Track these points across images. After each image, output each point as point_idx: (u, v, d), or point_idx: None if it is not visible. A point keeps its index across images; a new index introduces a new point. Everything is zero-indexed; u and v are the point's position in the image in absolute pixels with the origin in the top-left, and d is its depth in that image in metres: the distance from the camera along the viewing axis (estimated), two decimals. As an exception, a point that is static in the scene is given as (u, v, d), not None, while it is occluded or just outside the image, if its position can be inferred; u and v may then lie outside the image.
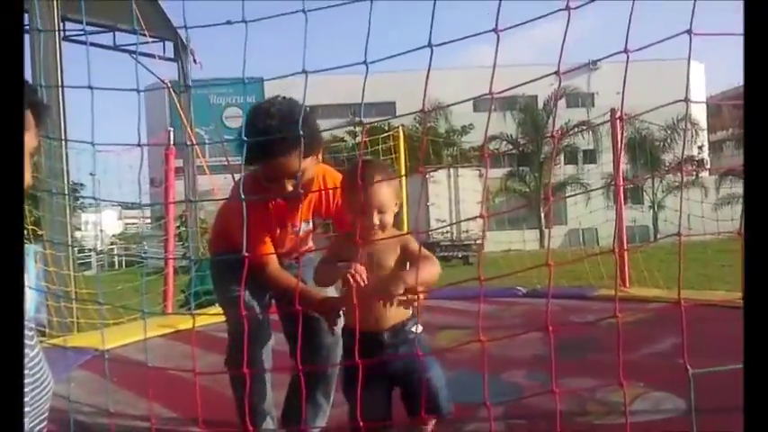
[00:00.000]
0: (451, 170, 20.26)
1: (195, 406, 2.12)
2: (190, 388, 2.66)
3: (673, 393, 2.82)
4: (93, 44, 8.50)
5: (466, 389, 3.04)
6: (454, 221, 18.44)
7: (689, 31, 1.55)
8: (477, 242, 19.12)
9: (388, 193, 1.96)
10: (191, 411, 2.56)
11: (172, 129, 6.47)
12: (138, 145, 2.15)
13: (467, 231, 19.63)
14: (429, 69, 2.05)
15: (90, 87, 1.99)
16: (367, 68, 1.79)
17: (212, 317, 5.25)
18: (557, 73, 1.66)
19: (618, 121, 5.86)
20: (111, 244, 22.88)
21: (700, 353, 1.58)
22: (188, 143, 6.98)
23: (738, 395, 1.65)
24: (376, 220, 1.94)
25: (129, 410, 2.78)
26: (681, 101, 1.69)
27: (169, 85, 7.49)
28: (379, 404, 1.99)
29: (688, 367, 1.54)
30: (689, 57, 1.69)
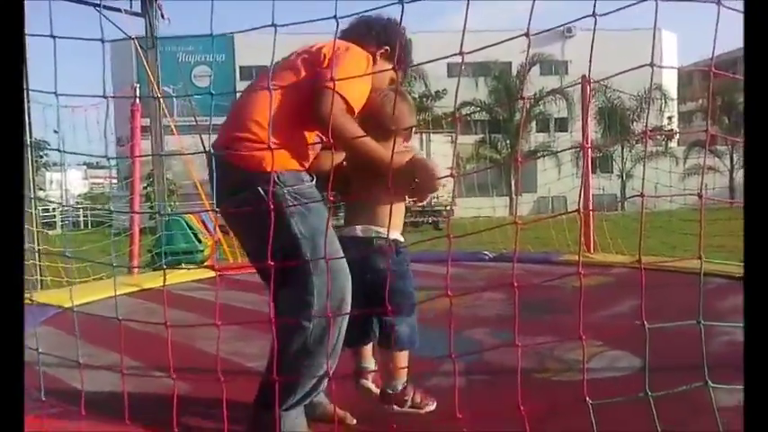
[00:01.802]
0: (423, 135, 20.21)
1: (162, 358, 2.13)
2: (156, 343, 2.67)
3: (628, 352, 2.91)
4: (55, -5, 8.16)
5: (429, 344, 3.10)
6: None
7: (655, -3, 1.56)
8: (447, 208, 19.22)
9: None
10: (158, 362, 2.57)
11: (138, 84, 6.30)
12: (104, 96, 2.10)
13: (437, 197, 19.71)
14: (400, 24, 2.06)
15: (52, 36, 1.93)
16: (337, 24, 1.77)
17: (187, 273, 5.24)
18: (527, 35, 1.66)
19: (587, 85, 5.89)
20: (77, 204, 22.47)
21: (657, 315, 1.63)
22: (155, 98, 6.82)
23: (690, 354, 1.72)
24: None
25: (96, 363, 2.78)
26: (647, 65, 1.71)
27: (136, 40, 7.28)
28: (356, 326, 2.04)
29: (644, 322, 1.59)
30: (654, 23, 1.70)
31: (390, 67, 2.23)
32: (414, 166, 2.08)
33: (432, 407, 2.12)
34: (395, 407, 2.07)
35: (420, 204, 2.33)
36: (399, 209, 2.12)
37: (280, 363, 1.84)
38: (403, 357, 2.08)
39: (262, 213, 1.76)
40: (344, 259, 1.96)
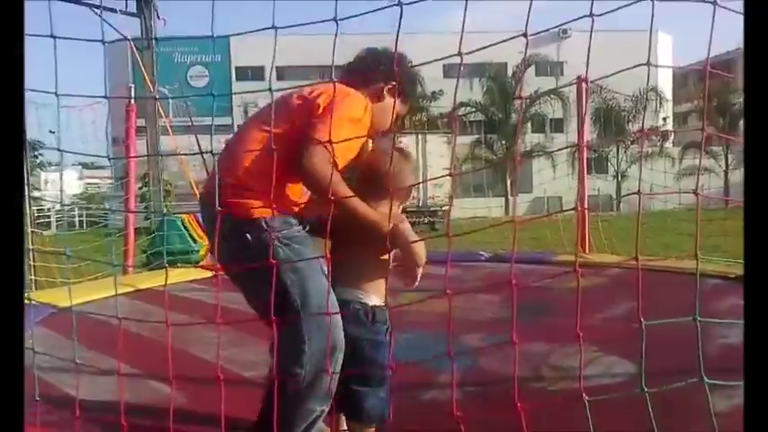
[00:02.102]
0: (419, 136, 20.23)
1: (157, 363, 2.12)
2: (151, 346, 2.66)
3: (624, 358, 2.91)
4: (51, -5, 8.14)
5: (424, 349, 3.10)
6: (423, 187, 18.49)
7: (652, -2, 1.56)
8: (444, 208, 19.25)
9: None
10: (152, 367, 2.55)
11: (133, 85, 6.28)
12: (105, 97, 2.09)
13: (433, 197, 19.74)
14: (399, 26, 2.04)
15: (52, 36, 1.92)
16: (337, 25, 1.75)
17: (183, 274, 5.23)
18: (524, 35, 1.65)
19: (583, 85, 5.91)
20: (72, 204, 22.39)
21: (653, 316, 1.63)
22: (151, 99, 6.81)
23: (685, 357, 1.72)
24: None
25: (90, 366, 2.77)
26: (643, 65, 1.71)
27: (131, 41, 7.27)
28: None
29: (641, 320, 1.58)
30: (651, 23, 1.71)
31: (398, 102, 2.15)
32: (396, 235, 1.94)
33: None
34: None
35: (415, 205, 2.22)
36: (384, 274, 2.01)
37: (273, 403, 1.83)
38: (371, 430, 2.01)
39: (251, 262, 1.77)
40: (333, 303, 1.91)
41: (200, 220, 2.09)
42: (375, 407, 1.94)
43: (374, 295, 2.00)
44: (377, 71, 2.13)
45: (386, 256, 2.03)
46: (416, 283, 2.04)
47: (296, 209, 2.02)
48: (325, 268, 1.92)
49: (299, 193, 2.03)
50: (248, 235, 1.86)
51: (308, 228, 2.02)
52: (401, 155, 2.09)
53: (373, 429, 2.00)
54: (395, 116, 2.15)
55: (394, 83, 2.13)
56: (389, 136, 2.23)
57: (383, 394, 1.96)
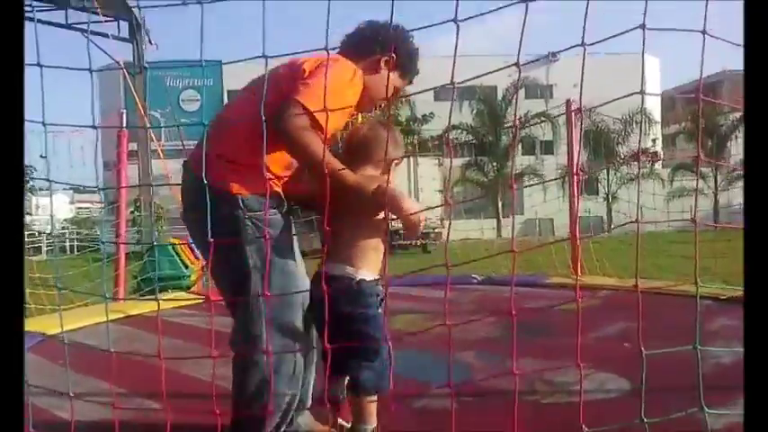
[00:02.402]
0: (411, 159, 20.32)
1: (148, 384, 2.10)
2: (142, 369, 2.64)
3: (616, 374, 2.92)
4: (42, 21, 8.21)
5: (419, 368, 3.09)
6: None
7: (642, 26, 1.59)
8: (436, 230, 19.28)
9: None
10: (144, 388, 2.52)
11: (125, 110, 6.31)
12: (93, 127, 2.09)
13: (425, 220, 19.79)
14: (390, 58, 2.06)
15: (39, 65, 1.92)
16: (328, 53, 1.76)
17: (171, 301, 5.20)
18: (516, 65, 1.68)
19: (575, 113, 5.98)
20: (63, 229, 22.28)
21: (646, 337, 1.64)
22: (143, 125, 6.83)
23: (679, 377, 1.73)
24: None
25: (82, 391, 2.74)
26: (636, 93, 1.74)
27: (123, 66, 7.30)
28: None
29: (642, 349, 1.59)
30: (642, 50, 1.74)
31: (395, 75, 2.12)
32: (381, 194, 1.88)
33: None
34: None
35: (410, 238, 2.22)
36: (377, 246, 2.01)
37: (241, 398, 1.84)
38: (370, 403, 1.99)
39: (220, 236, 1.74)
40: (300, 291, 1.93)
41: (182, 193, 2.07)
42: (369, 378, 1.93)
43: (364, 269, 1.97)
44: (374, 42, 2.10)
45: (378, 227, 2.00)
46: (420, 230, 2.01)
47: (278, 187, 1.99)
48: (298, 255, 1.94)
49: (284, 166, 2.00)
50: (222, 209, 1.81)
51: (286, 209, 2.01)
52: (382, 123, 2.09)
53: (373, 403, 1.98)
54: (392, 89, 2.08)
55: (392, 55, 2.07)
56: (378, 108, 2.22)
57: (378, 365, 1.94)
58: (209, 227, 1.70)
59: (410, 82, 2.29)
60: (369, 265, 1.99)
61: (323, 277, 1.89)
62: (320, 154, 1.77)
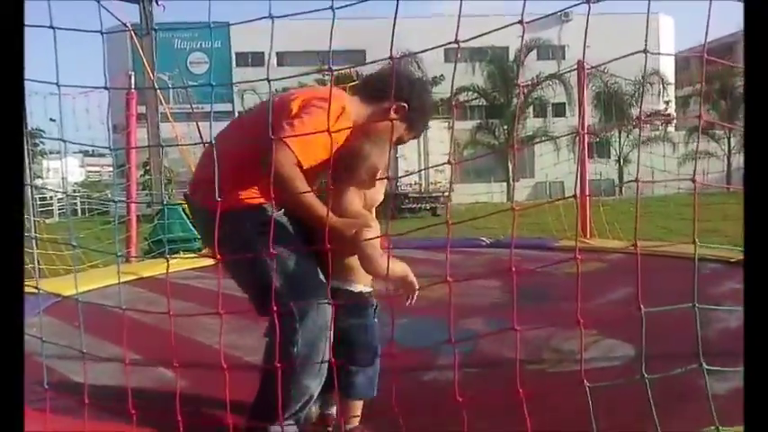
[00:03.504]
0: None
1: (160, 349, 2.15)
2: (153, 333, 2.69)
3: (623, 341, 2.93)
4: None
5: (424, 334, 3.13)
6: (424, 173, 18.47)
7: (654, -16, 1.55)
8: (445, 194, 19.26)
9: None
10: (156, 353, 2.58)
11: (133, 72, 6.27)
12: (105, 88, 2.11)
13: (435, 183, 19.73)
14: (396, 12, 2.02)
15: (51, 27, 1.92)
16: (333, 13, 1.75)
17: (185, 262, 5.24)
18: (520, 22, 1.65)
19: (583, 70, 5.89)
20: (73, 191, 22.42)
21: (653, 301, 1.64)
22: (151, 88, 6.79)
23: (685, 342, 1.74)
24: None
25: (94, 354, 2.80)
26: (642, 51, 1.71)
27: (131, 28, 7.23)
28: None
29: (641, 306, 1.60)
30: (648, 7, 1.70)
31: (402, 126, 2.20)
32: (356, 244, 1.97)
33: None
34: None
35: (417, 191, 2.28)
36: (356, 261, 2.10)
37: (270, 382, 1.89)
38: (358, 405, 2.11)
39: (233, 252, 1.86)
40: (320, 282, 1.99)
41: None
42: (362, 384, 2.05)
43: (358, 283, 2.07)
44: (389, 89, 2.09)
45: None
46: (415, 294, 2.11)
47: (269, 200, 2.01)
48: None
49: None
50: (226, 227, 1.85)
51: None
52: (370, 140, 2.10)
53: (360, 404, 2.11)
54: (396, 138, 2.17)
55: (404, 104, 2.15)
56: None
57: (371, 373, 2.07)
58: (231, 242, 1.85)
59: (418, 136, 2.37)
60: (364, 278, 2.08)
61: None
62: (303, 197, 1.91)
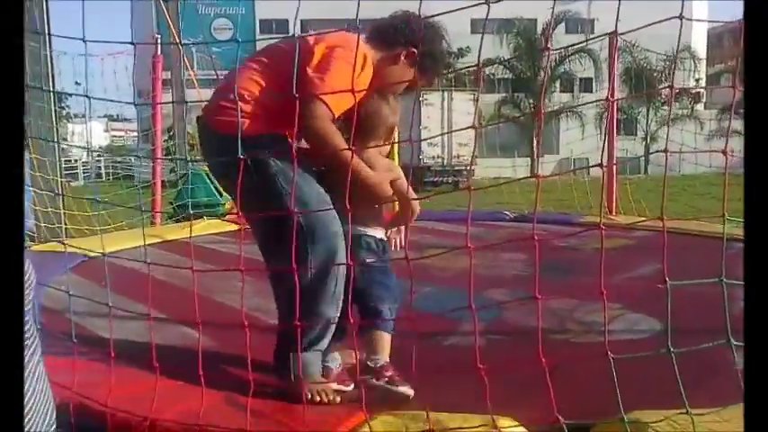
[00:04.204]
0: (445, 93, 19.96)
1: (184, 310, 2.18)
2: (178, 295, 2.71)
3: (648, 315, 2.91)
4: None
5: (446, 304, 3.12)
6: (447, 146, 18.34)
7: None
8: (468, 168, 19.14)
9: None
10: (181, 312, 2.61)
11: (159, 35, 6.26)
12: (132, 43, 2.13)
13: (458, 157, 19.60)
14: (411, 53, 2.04)
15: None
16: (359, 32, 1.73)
17: (210, 226, 5.28)
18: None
19: (613, 41, 5.75)
20: (98, 155, 22.66)
21: (680, 278, 1.62)
22: (178, 48, 6.78)
23: (711, 318, 1.71)
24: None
25: (121, 312, 2.84)
26: (677, 17, 1.64)
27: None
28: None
29: (666, 279, 1.57)
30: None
31: (412, 71, 2.21)
32: (395, 190, 2.21)
33: (409, 392, 2.06)
34: (372, 380, 2.06)
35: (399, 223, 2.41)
36: (381, 209, 2.27)
37: (287, 310, 1.98)
38: (386, 338, 2.14)
39: (246, 177, 1.84)
40: (334, 214, 2.03)
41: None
42: (389, 318, 2.15)
43: (379, 229, 2.23)
44: (400, 35, 2.16)
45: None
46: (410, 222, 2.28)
47: (286, 132, 2.09)
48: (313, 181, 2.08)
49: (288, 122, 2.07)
50: (241, 150, 1.89)
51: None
52: (381, 97, 2.20)
53: (389, 339, 2.15)
54: (405, 83, 2.24)
55: (413, 50, 2.16)
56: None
57: (394, 311, 2.18)
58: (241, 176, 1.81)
59: (430, 83, 2.44)
60: (381, 226, 2.26)
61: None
62: (345, 154, 1.92)
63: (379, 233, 2.22)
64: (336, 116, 2.00)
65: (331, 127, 1.98)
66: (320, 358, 2.12)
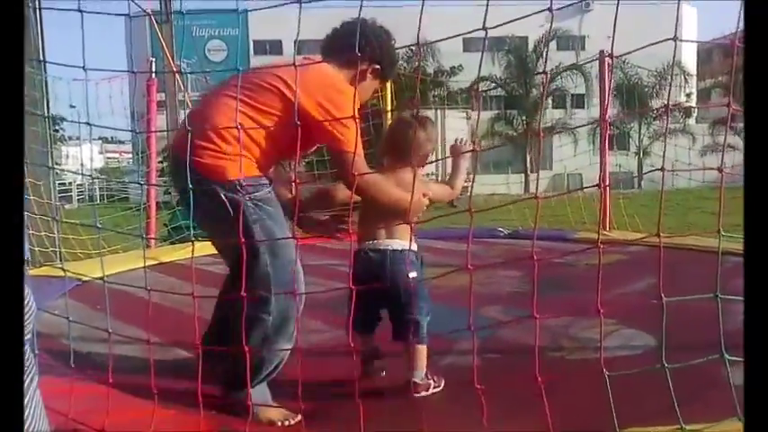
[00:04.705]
0: (438, 111, 20.08)
1: (180, 332, 2.17)
2: (174, 317, 2.70)
3: (643, 331, 2.91)
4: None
5: (443, 322, 3.12)
6: (442, 163, 18.37)
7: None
8: (464, 184, 19.17)
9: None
10: (177, 336, 2.61)
11: (153, 58, 6.29)
12: (131, 71, 2.15)
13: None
14: (375, 69, 2.06)
15: (79, 11, 1.93)
16: (361, 2, 1.75)
17: (205, 248, 5.25)
18: (550, 9, 1.63)
19: (606, 61, 5.81)
20: (93, 177, 22.63)
21: (674, 293, 1.63)
22: (173, 73, 6.81)
23: (706, 333, 1.72)
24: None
25: (118, 336, 2.82)
26: (671, 39, 1.68)
27: (151, 14, 7.26)
28: (369, 318, 2.38)
29: (662, 295, 1.58)
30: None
31: (377, 82, 2.40)
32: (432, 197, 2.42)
33: (441, 383, 2.32)
34: (422, 392, 2.27)
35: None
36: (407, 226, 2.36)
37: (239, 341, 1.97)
38: (425, 350, 2.31)
39: (223, 220, 2.00)
40: (295, 258, 2.09)
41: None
42: (424, 330, 2.29)
43: (414, 243, 2.31)
44: (360, 54, 2.11)
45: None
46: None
47: (266, 171, 2.17)
48: (287, 227, 2.17)
49: (268, 159, 2.16)
50: (221, 195, 2.03)
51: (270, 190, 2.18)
52: (420, 124, 2.36)
53: (425, 348, 2.31)
54: (371, 92, 2.46)
55: (377, 66, 2.31)
56: (410, 109, 2.41)
57: (428, 320, 2.32)
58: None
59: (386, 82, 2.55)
60: (415, 240, 2.33)
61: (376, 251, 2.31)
62: (391, 195, 2.20)
63: (414, 246, 2.32)
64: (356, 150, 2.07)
65: (372, 176, 2.16)
66: (267, 389, 2.18)
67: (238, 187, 2.02)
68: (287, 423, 2.08)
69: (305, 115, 2.02)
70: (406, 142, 2.31)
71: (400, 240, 2.30)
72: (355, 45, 2.09)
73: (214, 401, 2.03)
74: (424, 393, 2.26)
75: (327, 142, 2.11)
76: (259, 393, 2.09)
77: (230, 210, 2.00)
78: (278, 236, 2.10)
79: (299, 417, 2.05)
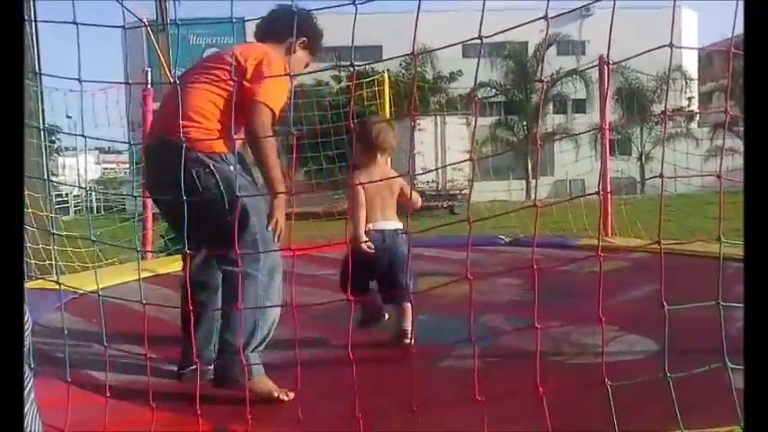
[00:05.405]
0: (438, 118, 20.03)
1: (176, 345, 2.13)
2: (170, 329, 2.67)
3: (645, 337, 2.88)
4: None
5: (444, 331, 3.10)
6: (441, 171, 18.37)
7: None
8: (463, 192, 19.14)
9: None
10: (172, 348, 2.57)
11: (149, 69, 6.27)
12: (127, 83, 2.17)
13: (452, 181, 19.60)
14: (304, 42, 2.45)
15: (75, 23, 1.92)
16: (356, 8, 1.72)
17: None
18: (545, 18, 1.61)
19: (605, 67, 5.78)
20: (90, 188, 22.63)
21: (676, 299, 1.59)
22: (170, 83, 6.79)
23: (708, 339, 1.68)
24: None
25: (113, 350, 2.78)
26: (667, 45, 1.65)
27: (147, 23, 7.24)
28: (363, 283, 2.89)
29: (664, 303, 1.55)
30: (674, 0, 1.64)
31: (306, 53, 2.67)
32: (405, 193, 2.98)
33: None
34: (406, 340, 2.87)
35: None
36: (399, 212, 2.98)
37: (232, 335, 2.23)
38: (410, 308, 2.90)
39: (214, 187, 2.22)
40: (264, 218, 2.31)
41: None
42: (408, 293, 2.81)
43: (401, 223, 2.92)
44: (290, 30, 2.44)
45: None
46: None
47: (231, 149, 2.32)
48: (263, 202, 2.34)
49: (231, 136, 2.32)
50: (211, 166, 2.24)
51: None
52: (384, 123, 2.97)
53: (410, 308, 2.90)
54: (303, 65, 2.69)
55: (304, 38, 2.60)
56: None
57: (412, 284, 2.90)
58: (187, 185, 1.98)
59: (316, 55, 2.78)
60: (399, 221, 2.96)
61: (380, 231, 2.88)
62: (273, 161, 2.30)
63: (398, 224, 2.92)
64: (276, 112, 2.30)
65: (269, 125, 2.27)
66: (259, 360, 2.31)
67: (222, 158, 2.26)
68: (283, 397, 2.19)
69: (243, 72, 2.28)
70: (369, 138, 2.89)
71: (395, 222, 2.90)
72: (286, 25, 2.47)
73: (213, 415, 1.98)
74: (406, 341, 2.86)
75: (253, 95, 2.26)
76: (254, 360, 2.23)
77: (219, 179, 2.23)
78: (249, 203, 2.26)
79: (293, 394, 2.16)
